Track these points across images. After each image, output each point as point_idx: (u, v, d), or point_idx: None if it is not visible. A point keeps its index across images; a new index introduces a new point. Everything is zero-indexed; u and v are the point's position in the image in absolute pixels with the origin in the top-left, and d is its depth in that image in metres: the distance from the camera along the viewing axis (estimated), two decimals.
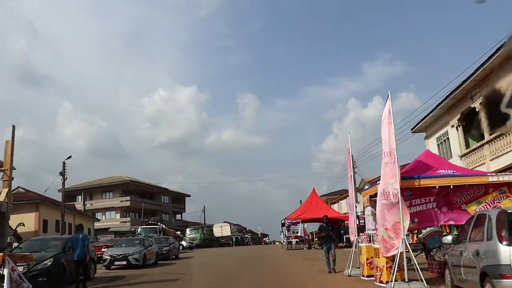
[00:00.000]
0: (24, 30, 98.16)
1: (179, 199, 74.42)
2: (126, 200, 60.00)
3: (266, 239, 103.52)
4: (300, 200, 73.65)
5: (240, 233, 72.46)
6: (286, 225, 33.43)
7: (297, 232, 33.45)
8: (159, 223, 38.26)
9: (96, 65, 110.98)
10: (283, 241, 37.65)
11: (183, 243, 41.57)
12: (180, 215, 75.11)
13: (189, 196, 76.08)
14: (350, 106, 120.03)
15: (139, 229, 36.21)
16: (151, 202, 66.05)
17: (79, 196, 62.59)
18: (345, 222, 37.24)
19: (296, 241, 34.03)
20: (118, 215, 61.18)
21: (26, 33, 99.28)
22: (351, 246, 15.57)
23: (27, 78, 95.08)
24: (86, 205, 61.97)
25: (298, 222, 33.37)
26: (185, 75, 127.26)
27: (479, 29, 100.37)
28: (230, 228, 67.06)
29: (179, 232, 43.28)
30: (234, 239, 65.04)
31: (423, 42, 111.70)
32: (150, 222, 38.40)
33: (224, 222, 67.35)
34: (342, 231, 36.43)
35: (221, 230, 66.23)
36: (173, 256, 26.42)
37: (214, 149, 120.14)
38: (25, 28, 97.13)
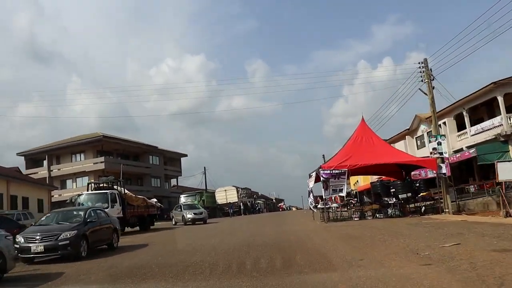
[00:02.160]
0: (29, 6, 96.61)
1: (173, 160, 60.68)
2: (100, 162, 46.28)
3: (282, 204, 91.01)
4: (323, 156, 59.63)
5: (250, 199, 58.95)
6: (323, 178, 19.09)
7: (341, 191, 19.18)
8: (115, 185, 24.38)
9: (103, 38, 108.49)
10: (313, 206, 23.55)
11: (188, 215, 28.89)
12: (175, 179, 61.51)
13: (185, 156, 62.35)
14: (359, 68, 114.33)
15: (81, 196, 22.47)
16: (135, 164, 52.28)
17: (46, 161, 49.16)
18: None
19: (338, 205, 19.92)
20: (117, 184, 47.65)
21: (31, 9, 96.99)
22: None
23: (34, 55, 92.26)
24: (52, 170, 48.65)
25: (343, 173, 19.05)
26: (193, 44, 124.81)
27: None
28: (237, 192, 53.52)
29: (155, 200, 29.41)
30: (242, 206, 51.51)
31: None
32: (100, 184, 24.54)
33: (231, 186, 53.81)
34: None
35: (226, 195, 52.93)
36: (105, 245, 12.81)
37: (225, 117, 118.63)
38: (30, 4, 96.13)
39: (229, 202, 51.21)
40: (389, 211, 19.54)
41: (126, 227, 25.52)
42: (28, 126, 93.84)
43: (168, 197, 56.10)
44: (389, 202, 19.77)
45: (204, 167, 60.09)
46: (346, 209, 21.20)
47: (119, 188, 24.19)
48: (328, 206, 19.33)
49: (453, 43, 43.18)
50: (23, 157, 50.44)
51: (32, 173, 48.37)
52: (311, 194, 23.09)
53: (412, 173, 24.34)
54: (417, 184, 24.73)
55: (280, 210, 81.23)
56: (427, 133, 37.03)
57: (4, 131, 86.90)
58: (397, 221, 17.04)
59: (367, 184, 37.16)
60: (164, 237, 18.01)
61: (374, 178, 39.92)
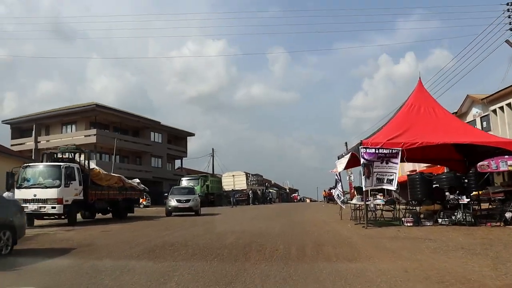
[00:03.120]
0: None
1: (178, 139, 54.75)
2: (92, 135, 40.61)
3: (296, 194, 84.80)
4: (345, 144, 52.78)
5: (261, 187, 52.69)
6: (364, 161, 12.54)
7: (391, 182, 12.69)
8: (80, 157, 18.43)
9: (125, 19, 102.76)
10: (341, 201, 17.15)
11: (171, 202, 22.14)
12: (180, 160, 55.64)
13: (192, 135, 56.33)
14: (381, 62, 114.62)
15: (27, 169, 16.60)
16: (134, 140, 46.47)
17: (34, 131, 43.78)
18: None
19: (385, 200, 13.56)
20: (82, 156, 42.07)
21: None
22: None
23: (57, 32, 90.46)
24: (39, 142, 43.26)
25: (395, 155, 12.55)
26: (214, 29, 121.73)
27: None
28: (247, 179, 47.33)
29: (137, 181, 23.50)
30: (251, 194, 45.40)
31: None
32: (58, 155, 18.50)
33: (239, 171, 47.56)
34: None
35: (233, 181, 46.75)
36: None
37: (243, 104, 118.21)
38: None
39: (237, 189, 45.19)
40: (458, 215, 13.03)
41: (93, 214, 19.78)
42: (47, 103, 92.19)
43: (170, 180, 50.18)
44: (460, 202, 13.21)
45: (212, 149, 54.24)
46: (391, 208, 14.76)
47: (82, 161, 18.20)
48: (374, 199, 12.90)
49: None
50: (9, 126, 45.23)
51: (18, 144, 43.15)
52: (339, 183, 16.66)
53: (479, 164, 17.75)
54: (466, 180, 18.26)
55: (295, 201, 75.65)
56: (481, 118, 30.11)
57: (24, 106, 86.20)
58: (484, 232, 10.66)
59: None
60: (119, 236, 11.89)
61: (405, 169, 33.36)
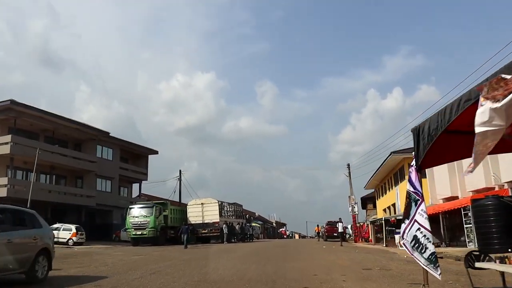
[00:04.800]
0: (44, 12, 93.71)
1: (137, 157, 43.63)
2: (3, 143, 29.38)
3: (283, 229, 73.42)
4: (347, 166, 42.16)
5: (240, 219, 41.22)
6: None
7: None
8: None
9: (115, 49, 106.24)
10: (419, 250, 7.09)
11: None
12: (138, 184, 44.05)
13: (155, 153, 45.15)
14: (369, 97, 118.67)
15: None
16: (73, 155, 35.21)
17: None
18: None
19: None
20: None
21: (46, 15, 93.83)
22: None
23: (46, 61, 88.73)
24: None
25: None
26: (204, 62, 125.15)
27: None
28: (220, 209, 36.17)
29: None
30: (225, 230, 34.31)
31: (444, 35, 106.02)
32: None
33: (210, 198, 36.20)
34: None
35: (202, 212, 35.71)
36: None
37: (231, 136, 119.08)
38: (45, 10, 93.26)
39: (206, 222, 33.97)
40: None
41: None
42: None
43: (123, 208, 38.88)
44: None
45: (180, 170, 43.14)
46: None
47: None
48: None
49: None
50: None
51: None
52: (416, 212, 6.12)
53: None
54: None
55: (284, 236, 65.26)
56: None
57: None
58: None
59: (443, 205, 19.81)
60: None
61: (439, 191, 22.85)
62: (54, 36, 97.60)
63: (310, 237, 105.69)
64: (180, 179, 42.74)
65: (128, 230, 30.21)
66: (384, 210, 43.00)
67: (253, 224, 52.59)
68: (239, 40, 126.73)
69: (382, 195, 44.71)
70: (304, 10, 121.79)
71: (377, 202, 49.45)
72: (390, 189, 39.47)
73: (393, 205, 37.31)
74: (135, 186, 43.77)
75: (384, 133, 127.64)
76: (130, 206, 31.44)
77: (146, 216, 29.99)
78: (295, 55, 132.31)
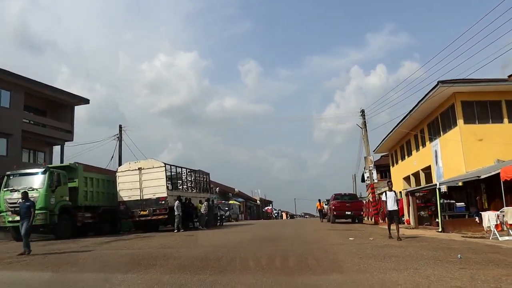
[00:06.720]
0: None
1: (58, 106, 30.44)
2: None
3: (269, 208, 61.53)
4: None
5: (206, 194, 28.60)
6: None
7: None
8: None
9: (96, 31, 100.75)
10: None
11: None
12: (60, 146, 30.95)
13: (87, 102, 31.93)
14: (352, 74, 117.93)
15: None
16: None
17: None
18: None
19: None
20: None
21: None
22: None
23: (25, 43, 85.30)
24: None
25: None
26: (186, 42, 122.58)
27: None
28: (169, 177, 23.76)
29: None
30: (178, 210, 22.03)
31: (428, 12, 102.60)
32: None
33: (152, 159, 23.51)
34: None
35: (140, 182, 23.35)
36: None
37: (215, 116, 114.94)
38: None
39: (145, 198, 21.60)
40: None
41: None
42: None
43: None
44: None
45: (120, 126, 30.41)
46: None
47: None
48: None
49: None
50: None
51: None
52: None
53: None
54: None
55: (273, 217, 54.94)
56: None
57: None
58: None
59: None
60: None
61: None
62: (33, 17, 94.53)
63: (301, 216, 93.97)
64: (120, 139, 29.84)
65: (2, 214, 17.86)
66: (407, 178, 31.07)
67: (231, 202, 40.16)
68: (222, 21, 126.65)
69: (403, 159, 32.72)
70: None
71: (391, 170, 37.54)
72: (420, 147, 27.43)
73: (428, 168, 25.36)
74: (57, 150, 30.72)
75: (367, 111, 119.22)
76: (7, 173, 18.78)
77: (33, 190, 17.55)
78: (278, 34, 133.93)
